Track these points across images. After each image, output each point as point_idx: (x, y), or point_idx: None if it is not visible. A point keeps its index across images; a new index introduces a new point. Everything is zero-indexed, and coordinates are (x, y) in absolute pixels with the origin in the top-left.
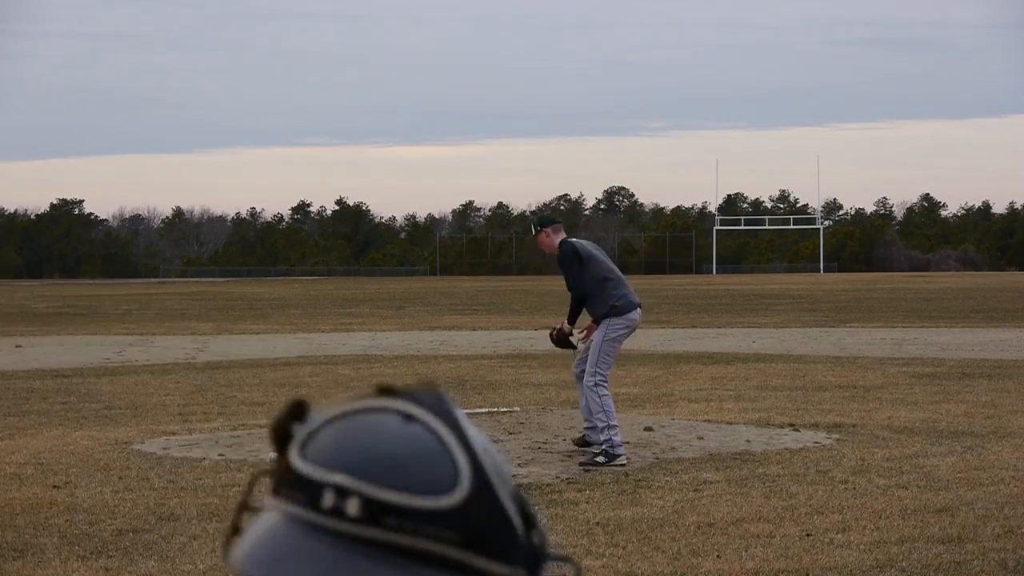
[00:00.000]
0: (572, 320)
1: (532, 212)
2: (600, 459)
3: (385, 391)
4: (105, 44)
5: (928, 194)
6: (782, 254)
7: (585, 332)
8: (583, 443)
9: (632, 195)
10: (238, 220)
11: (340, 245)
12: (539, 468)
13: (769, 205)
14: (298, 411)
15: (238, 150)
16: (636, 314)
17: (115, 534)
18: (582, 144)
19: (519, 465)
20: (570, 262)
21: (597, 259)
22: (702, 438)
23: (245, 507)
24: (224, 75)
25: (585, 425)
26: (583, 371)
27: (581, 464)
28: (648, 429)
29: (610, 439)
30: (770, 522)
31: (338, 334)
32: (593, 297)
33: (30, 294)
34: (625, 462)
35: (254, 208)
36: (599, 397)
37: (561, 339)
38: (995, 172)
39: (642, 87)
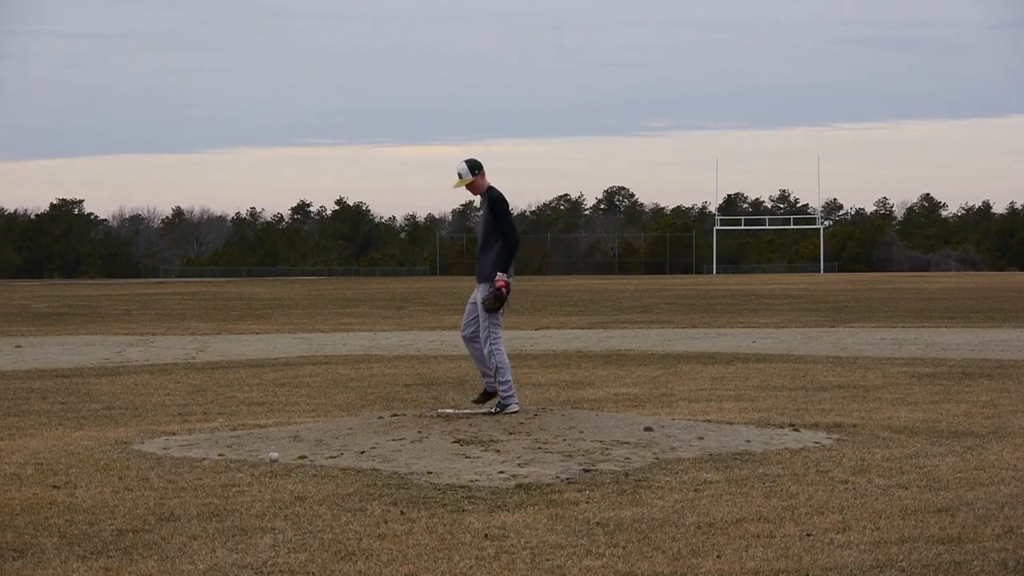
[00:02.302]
0: (507, 268)
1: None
2: (495, 409)
3: None
4: (105, 44)
5: (928, 194)
6: (782, 254)
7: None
8: (486, 396)
9: (632, 195)
10: (238, 220)
11: (340, 245)
12: (539, 468)
13: (769, 205)
14: None
15: (238, 150)
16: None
17: (115, 534)
18: (582, 144)
19: (519, 465)
20: (507, 204)
21: None
22: (702, 438)
23: None
24: (224, 75)
25: (485, 381)
26: (474, 332)
27: (487, 413)
28: (648, 429)
29: (509, 393)
30: (770, 522)
31: (338, 334)
32: (490, 253)
33: (30, 294)
34: (517, 409)
35: (254, 208)
36: (497, 356)
37: (501, 298)
38: (995, 172)
39: (642, 87)
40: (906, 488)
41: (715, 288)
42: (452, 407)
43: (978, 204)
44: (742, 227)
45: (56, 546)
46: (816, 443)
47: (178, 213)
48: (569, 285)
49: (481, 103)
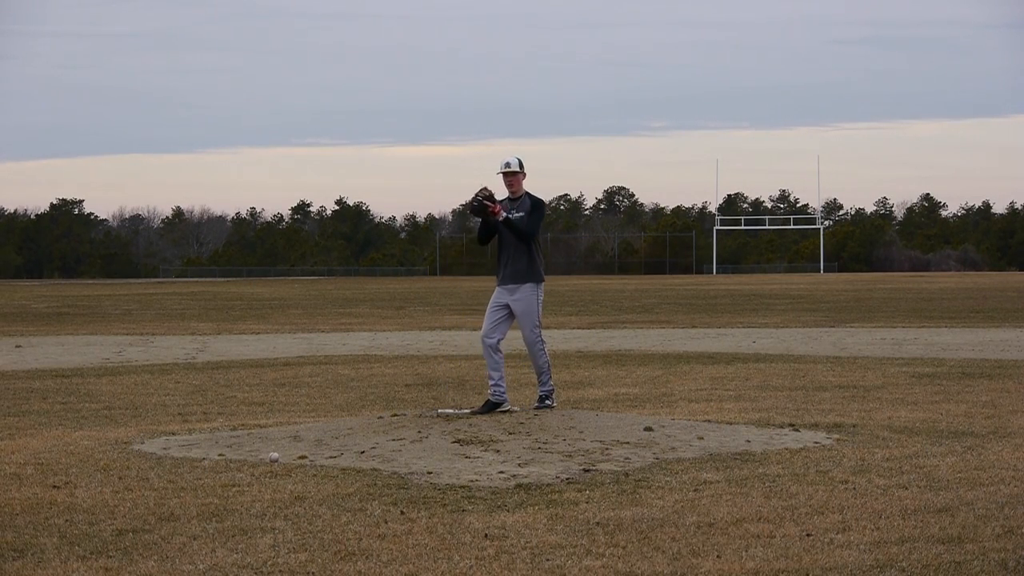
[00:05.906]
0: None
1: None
2: (552, 403)
3: None
4: (105, 44)
5: (928, 194)
6: (782, 254)
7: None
8: (491, 406)
9: (632, 195)
10: (238, 220)
11: (340, 245)
12: (539, 468)
13: (769, 205)
14: None
15: (238, 150)
16: None
17: (115, 534)
18: (582, 144)
19: (519, 465)
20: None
21: None
22: (702, 438)
23: None
24: (225, 75)
25: (493, 391)
26: (500, 340)
27: (541, 407)
28: (648, 429)
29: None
30: (770, 522)
31: (338, 334)
32: (535, 257)
33: (30, 294)
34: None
35: (254, 208)
36: (545, 355)
37: (483, 208)
38: (995, 172)
39: (642, 87)
40: (906, 488)
41: (715, 288)
42: (452, 407)
43: (978, 204)
44: (742, 227)
45: (56, 546)
46: (816, 443)
47: (178, 213)
48: (569, 285)
49: (481, 103)
